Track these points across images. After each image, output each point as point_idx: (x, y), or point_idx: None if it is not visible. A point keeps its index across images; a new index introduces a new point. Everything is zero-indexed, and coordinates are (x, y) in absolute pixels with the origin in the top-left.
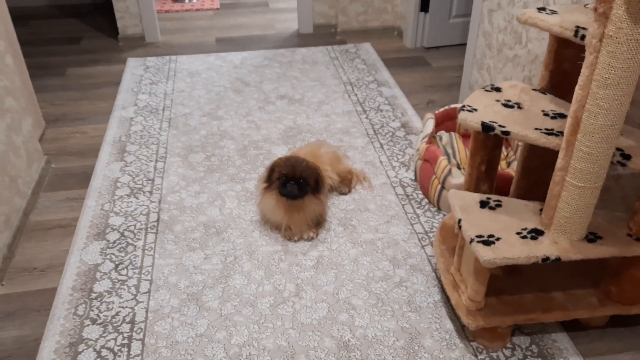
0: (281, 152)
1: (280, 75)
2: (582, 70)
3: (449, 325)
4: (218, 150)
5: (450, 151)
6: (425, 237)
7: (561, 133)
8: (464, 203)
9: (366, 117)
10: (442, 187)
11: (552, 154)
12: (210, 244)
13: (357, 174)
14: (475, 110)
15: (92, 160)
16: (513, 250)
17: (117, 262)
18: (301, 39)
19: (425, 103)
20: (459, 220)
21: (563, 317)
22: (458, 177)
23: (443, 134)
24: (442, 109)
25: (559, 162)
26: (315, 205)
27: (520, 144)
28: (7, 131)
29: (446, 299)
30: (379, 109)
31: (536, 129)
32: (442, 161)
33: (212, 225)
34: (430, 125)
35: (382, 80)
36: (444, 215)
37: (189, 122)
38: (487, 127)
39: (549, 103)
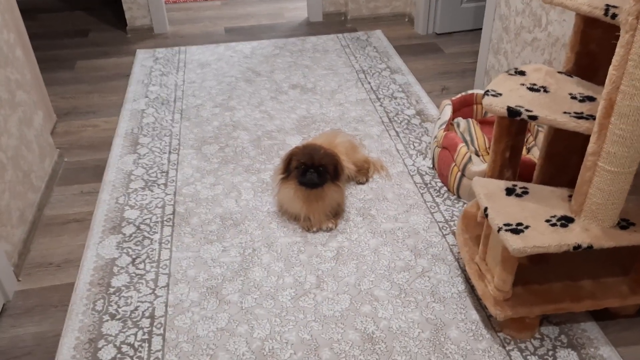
0: (295, 141)
1: (291, 65)
2: (617, 50)
3: (474, 315)
4: (232, 141)
5: (468, 138)
6: (446, 225)
7: (592, 116)
8: (489, 190)
9: (380, 105)
10: (462, 175)
11: (578, 139)
12: (227, 236)
13: (374, 162)
14: (500, 94)
15: (104, 153)
16: (543, 238)
17: (134, 256)
18: (311, 28)
19: (439, 90)
20: (485, 209)
21: (593, 306)
22: (478, 165)
23: (460, 121)
24: (458, 95)
25: (591, 147)
26: (334, 193)
27: (540, 129)
28: (18, 125)
29: (470, 289)
30: (393, 97)
31: (565, 112)
32: (462, 148)
33: (229, 217)
34: (447, 112)
35: (395, 68)
36: (464, 203)
37: (201, 113)
38: (513, 112)
39: (576, 86)
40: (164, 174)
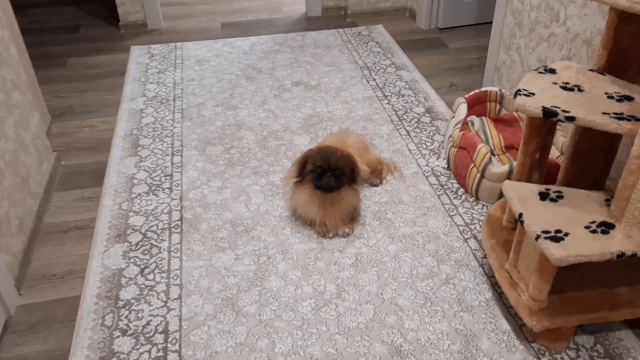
0: (303, 142)
1: (292, 61)
2: None
3: (505, 325)
4: (237, 142)
5: (482, 137)
6: (467, 229)
7: (633, 117)
8: (521, 195)
9: (388, 103)
10: (482, 176)
11: (604, 139)
12: (240, 243)
13: (387, 163)
14: (533, 94)
15: (103, 155)
16: (584, 246)
17: (142, 266)
18: (310, 22)
19: (447, 86)
20: (520, 215)
21: (631, 314)
22: (498, 166)
23: (475, 119)
24: (472, 93)
25: (635, 150)
26: (351, 197)
27: (558, 127)
28: (15, 128)
29: (498, 297)
30: (400, 94)
31: (604, 113)
32: (482, 149)
33: (240, 222)
34: (462, 110)
35: (400, 64)
36: (484, 205)
37: (203, 112)
38: (549, 113)
39: (611, 84)
40: (168, 178)
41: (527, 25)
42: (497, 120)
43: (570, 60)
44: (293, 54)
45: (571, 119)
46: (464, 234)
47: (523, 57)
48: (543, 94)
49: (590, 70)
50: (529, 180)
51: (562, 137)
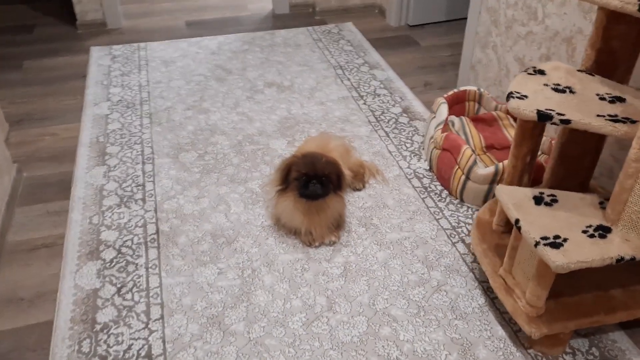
0: (280, 145)
1: (263, 61)
2: None
3: (500, 331)
4: (211, 148)
5: (463, 137)
6: (454, 233)
7: (628, 119)
8: (516, 200)
9: (364, 103)
10: (467, 178)
11: (592, 140)
12: (222, 256)
13: (369, 167)
14: (526, 96)
15: (68, 165)
16: (584, 252)
17: (118, 285)
18: (278, 20)
19: (422, 85)
20: (517, 220)
21: (627, 317)
22: (483, 167)
23: (454, 119)
24: (451, 92)
25: (633, 153)
26: (337, 204)
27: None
28: None
29: (491, 302)
30: (375, 94)
31: (598, 115)
32: (466, 150)
33: (220, 234)
34: (443, 111)
35: (373, 63)
36: (469, 207)
37: (173, 116)
38: (544, 116)
39: (601, 85)
40: (140, 188)
41: (503, 24)
42: (477, 120)
43: (549, 58)
44: (263, 54)
45: (566, 122)
46: (451, 238)
47: (500, 56)
48: (536, 96)
49: (578, 70)
50: (519, 183)
51: (544, 137)
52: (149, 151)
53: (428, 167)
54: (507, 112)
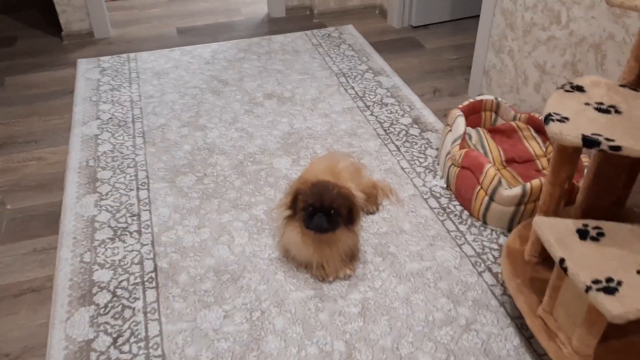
0: (284, 164)
1: (261, 70)
2: None
3: None
4: (210, 169)
5: (481, 150)
6: (479, 260)
7: None
8: (559, 235)
9: (371, 114)
10: (491, 200)
11: (627, 158)
12: (227, 296)
13: (382, 187)
14: (567, 119)
15: (57, 194)
16: None
17: (114, 335)
18: (274, 24)
19: (431, 92)
20: (562, 260)
21: None
22: (509, 187)
23: (471, 132)
24: (466, 103)
25: None
26: (348, 239)
27: None
28: None
29: (527, 343)
30: (382, 103)
31: None
32: (490, 170)
33: (224, 269)
34: (460, 124)
35: (378, 69)
36: (492, 230)
37: (168, 135)
38: (590, 142)
39: None
40: (135, 218)
41: (520, 27)
42: (494, 131)
43: (575, 65)
44: (260, 62)
45: (616, 148)
46: (477, 267)
47: (517, 61)
48: (578, 118)
49: (621, 85)
50: (556, 211)
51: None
52: (144, 175)
53: (445, 185)
54: (528, 122)
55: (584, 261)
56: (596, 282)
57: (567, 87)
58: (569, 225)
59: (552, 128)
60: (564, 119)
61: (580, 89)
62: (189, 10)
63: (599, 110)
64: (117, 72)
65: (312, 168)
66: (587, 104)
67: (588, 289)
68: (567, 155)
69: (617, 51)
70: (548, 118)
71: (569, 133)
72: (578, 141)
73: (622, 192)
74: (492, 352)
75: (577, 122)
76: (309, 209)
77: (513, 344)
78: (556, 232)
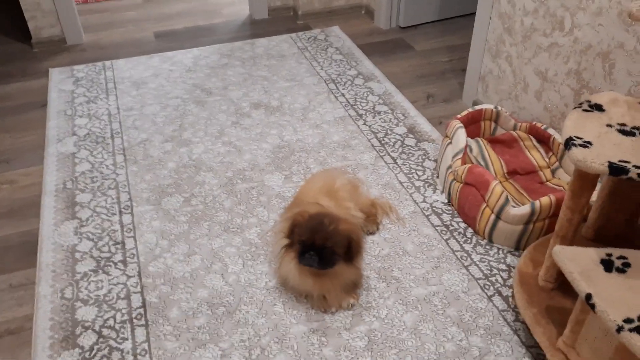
0: (276, 182)
1: (246, 77)
2: None
3: None
4: (197, 189)
5: (482, 163)
6: (487, 283)
7: None
8: (583, 267)
9: (364, 124)
10: (497, 218)
11: None
12: (223, 332)
13: (381, 205)
14: (590, 143)
15: (32, 222)
16: None
17: None
18: (257, 27)
19: (424, 98)
20: (589, 296)
21: None
22: (517, 206)
23: (471, 143)
24: (465, 112)
25: None
26: (349, 274)
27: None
28: None
29: None
30: (375, 111)
31: None
32: (496, 187)
33: (219, 302)
34: (461, 137)
35: (368, 74)
36: (499, 249)
37: (150, 152)
38: (618, 170)
39: None
40: (119, 247)
41: (519, 32)
42: (494, 142)
43: (580, 74)
44: (245, 68)
45: None
46: (486, 290)
47: (515, 68)
48: (602, 143)
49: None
50: (574, 237)
51: None
52: (126, 197)
53: (447, 201)
54: (529, 132)
55: (613, 297)
56: (628, 321)
57: (585, 107)
58: (592, 256)
59: (576, 154)
60: (586, 144)
61: (599, 108)
62: (165, 13)
63: (623, 132)
64: (93, 82)
65: (307, 187)
66: (609, 125)
67: (620, 329)
68: (588, 181)
69: (628, 60)
70: (570, 142)
71: (594, 160)
72: (604, 169)
73: (637, 210)
74: None
75: (601, 147)
76: (302, 244)
77: None
78: (580, 264)
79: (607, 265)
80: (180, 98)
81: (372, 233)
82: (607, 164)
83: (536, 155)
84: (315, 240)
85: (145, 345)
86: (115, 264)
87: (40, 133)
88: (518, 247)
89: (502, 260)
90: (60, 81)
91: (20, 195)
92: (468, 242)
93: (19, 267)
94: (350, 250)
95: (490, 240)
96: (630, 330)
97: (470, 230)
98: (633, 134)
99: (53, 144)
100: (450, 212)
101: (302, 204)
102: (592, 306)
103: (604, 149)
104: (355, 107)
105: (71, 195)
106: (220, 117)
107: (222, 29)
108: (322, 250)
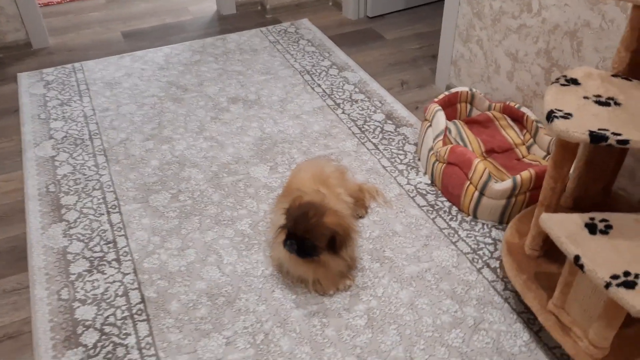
0: (262, 173)
1: (220, 72)
2: None
3: None
4: (184, 185)
5: (461, 144)
6: (476, 257)
7: None
8: (569, 231)
9: (343, 112)
10: (481, 194)
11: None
12: (225, 321)
13: (368, 189)
14: (570, 115)
15: (18, 227)
16: None
17: None
18: (226, 23)
19: (399, 85)
20: (577, 258)
21: None
22: (500, 182)
23: (450, 125)
24: (442, 96)
25: None
26: (335, 265)
27: (540, 125)
28: None
29: (536, 337)
30: (352, 100)
31: None
32: (479, 165)
33: (218, 292)
34: (441, 119)
35: (341, 64)
36: (484, 224)
37: (131, 151)
38: (598, 138)
39: None
40: (111, 246)
41: (489, 16)
42: (471, 123)
43: (549, 53)
44: (218, 64)
45: (624, 142)
46: (475, 264)
47: (487, 50)
48: (581, 114)
49: (613, 76)
50: (557, 205)
51: (547, 136)
52: (112, 197)
53: (430, 182)
54: (503, 111)
55: (599, 257)
56: (615, 277)
57: (562, 81)
58: (576, 221)
59: (558, 126)
60: (567, 115)
61: (575, 81)
62: (131, 13)
63: (599, 103)
64: (64, 85)
65: (298, 176)
66: (586, 97)
67: (608, 285)
68: (569, 150)
69: (594, 38)
70: (551, 115)
71: (576, 130)
72: (585, 137)
73: (610, 178)
74: (505, 351)
75: (580, 117)
76: (287, 231)
77: (523, 340)
78: (566, 229)
79: (591, 228)
80: (156, 96)
81: (361, 217)
82: (587, 132)
83: (511, 134)
84: (296, 231)
85: (149, 339)
86: (109, 262)
87: (16, 139)
88: (502, 221)
89: (488, 235)
90: (30, 85)
91: (3, 202)
92: (454, 219)
93: (9, 273)
94: (334, 242)
95: (475, 217)
96: (617, 285)
97: (454, 208)
98: (608, 104)
99: (30, 149)
100: (434, 192)
101: (296, 193)
102: (581, 266)
103: (583, 120)
104: (333, 96)
105: (55, 199)
106: (199, 113)
107: (190, 26)
108: (302, 241)
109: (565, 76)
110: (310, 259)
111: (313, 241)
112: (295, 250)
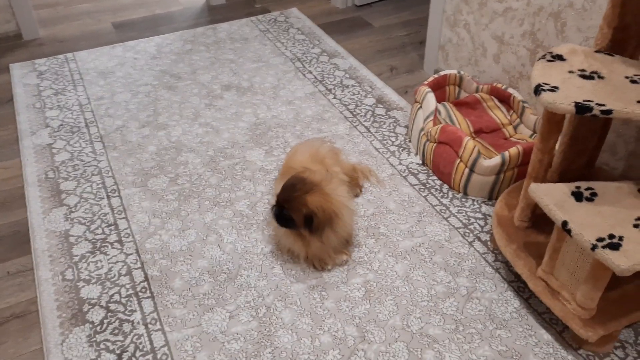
0: (258, 156)
1: (213, 61)
2: None
3: (545, 335)
4: (181, 169)
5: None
6: (467, 231)
7: None
8: (556, 199)
9: (334, 98)
10: (471, 171)
11: (599, 119)
12: (228, 296)
13: (361, 169)
14: (557, 88)
15: (19, 212)
16: None
17: (118, 352)
18: (215, 12)
19: (388, 71)
20: (565, 223)
21: None
22: (489, 159)
23: (439, 107)
24: (431, 79)
25: None
26: (314, 246)
27: (526, 105)
28: None
29: (526, 304)
30: (343, 85)
31: (638, 102)
32: (469, 143)
33: (219, 269)
34: (431, 100)
35: (331, 51)
36: (474, 200)
37: (128, 137)
38: (583, 109)
39: (626, 67)
40: (112, 228)
41: (475, 1)
42: (459, 104)
43: (534, 34)
44: (210, 53)
45: (607, 112)
46: (466, 237)
47: (474, 34)
48: (567, 87)
49: (596, 52)
50: (545, 176)
51: (533, 115)
52: (111, 182)
53: (421, 162)
54: (490, 93)
55: (585, 222)
56: (600, 239)
57: (548, 57)
58: (563, 190)
59: (546, 98)
60: (554, 89)
61: (560, 57)
62: (120, 3)
63: (583, 77)
64: (57, 75)
65: (295, 157)
66: (570, 71)
67: (594, 247)
68: (555, 123)
69: (577, 18)
70: (539, 89)
71: (562, 101)
72: (571, 108)
73: (594, 153)
74: (497, 317)
75: (566, 90)
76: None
77: (514, 307)
78: (554, 197)
79: (577, 196)
80: (150, 85)
81: (356, 196)
82: (573, 103)
83: (499, 114)
84: (278, 199)
85: (155, 315)
86: (112, 244)
87: (11, 128)
88: (491, 197)
89: (478, 210)
90: (23, 76)
91: (3, 188)
92: (445, 196)
93: (13, 256)
94: (310, 221)
95: (465, 193)
96: (603, 247)
97: (445, 186)
98: (592, 78)
99: (27, 137)
100: (426, 171)
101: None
102: (569, 231)
103: (569, 92)
104: (324, 82)
105: (55, 184)
106: (193, 100)
107: (180, 16)
108: (281, 209)
109: (551, 52)
110: (295, 231)
111: (290, 212)
112: (275, 217)
